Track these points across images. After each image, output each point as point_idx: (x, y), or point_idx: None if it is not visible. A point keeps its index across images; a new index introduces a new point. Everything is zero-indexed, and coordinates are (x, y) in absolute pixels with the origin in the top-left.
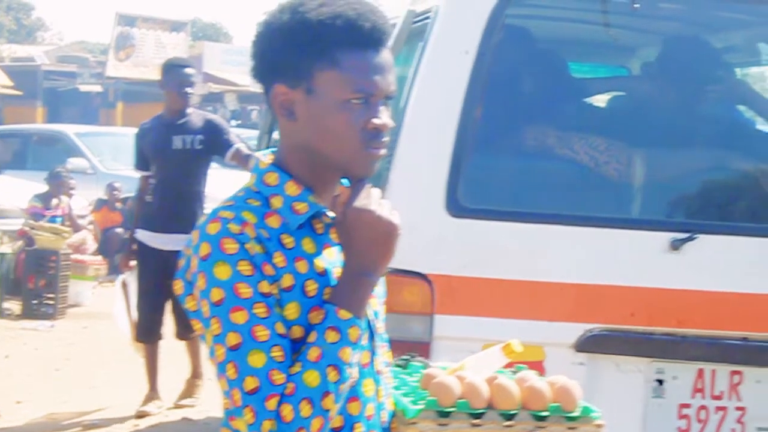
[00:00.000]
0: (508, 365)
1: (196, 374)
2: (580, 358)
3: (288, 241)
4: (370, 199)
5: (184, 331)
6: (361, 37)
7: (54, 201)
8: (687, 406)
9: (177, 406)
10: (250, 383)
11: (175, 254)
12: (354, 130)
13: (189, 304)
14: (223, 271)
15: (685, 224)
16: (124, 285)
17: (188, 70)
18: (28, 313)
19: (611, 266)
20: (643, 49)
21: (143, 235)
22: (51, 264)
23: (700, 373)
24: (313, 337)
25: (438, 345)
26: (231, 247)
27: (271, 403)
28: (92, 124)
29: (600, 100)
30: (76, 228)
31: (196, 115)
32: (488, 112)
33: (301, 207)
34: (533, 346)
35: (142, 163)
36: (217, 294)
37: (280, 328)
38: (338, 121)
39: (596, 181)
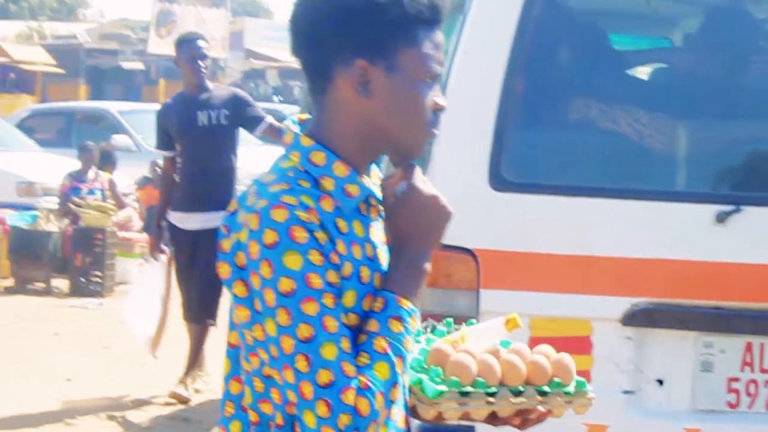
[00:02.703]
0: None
1: (191, 370)
2: (627, 333)
3: (342, 225)
4: (427, 183)
5: (196, 317)
6: (436, 14)
7: (90, 174)
8: (736, 380)
9: (173, 395)
10: (324, 376)
11: (207, 233)
12: (426, 110)
13: (237, 290)
14: (293, 261)
15: (730, 196)
16: (168, 270)
17: (199, 42)
18: (76, 291)
19: (657, 239)
20: (686, 20)
21: (174, 217)
22: (97, 242)
23: (749, 346)
24: (375, 326)
25: (484, 320)
26: (301, 235)
27: (348, 397)
28: (135, 102)
29: (642, 72)
30: (121, 205)
31: (219, 90)
32: (530, 85)
33: (353, 189)
34: (580, 320)
35: (164, 143)
36: (286, 284)
37: (344, 318)
38: (415, 100)
39: (640, 154)
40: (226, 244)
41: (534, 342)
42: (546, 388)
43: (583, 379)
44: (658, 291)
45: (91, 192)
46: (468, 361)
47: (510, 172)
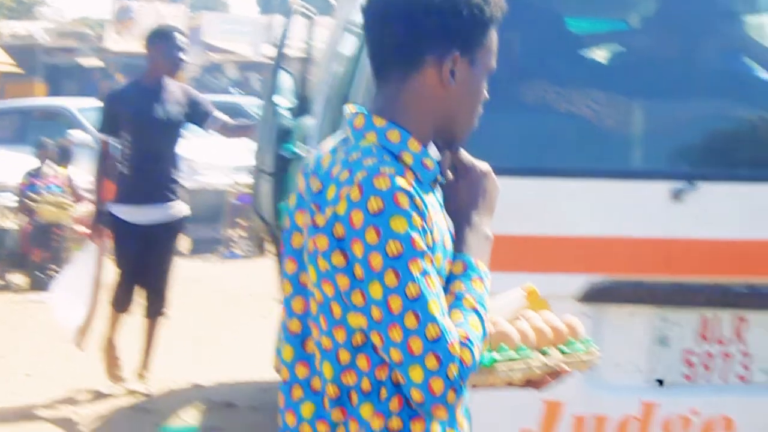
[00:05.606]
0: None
1: (147, 362)
2: (584, 309)
3: (424, 196)
4: (477, 161)
5: (155, 310)
6: (502, 16)
7: (46, 170)
8: (692, 353)
9: (130, 392)
10: (433, 331)
11: (160, 227)
12: (482, 100)
13: (336, 260)
14: (400, 224)
15: (685, 173)
16: (99, 259)
17: (181, 36)
18: (35, 286)
19: (614, 217)
20: (642, 2)
21: (122, 211)
22: (55, 237)
23: (704, 320)
24: (461, 286)
25: None
26: (404, 200)
27: (455, 348)
28: (94, 98)
29: (598, 54)
30: (79, 200)
31: (174, 85)
32: None
33: (429, 163)
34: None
35: (111, 126)
36: (394, 246)
37: (438, 278)
38: (481, 90)
39: (597, 134)
40: (320, 219)
41: None
42: (566, 349)
43: (589, 338)
44: (614, 268)
45: (48, 188)
46: (511, 330)
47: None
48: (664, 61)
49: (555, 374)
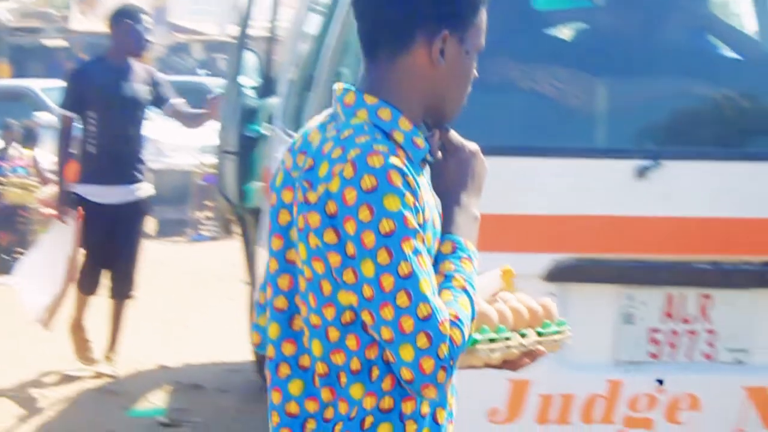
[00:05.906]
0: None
1: (114, 345)
2: (549, 288)
3: (415, 175)
4: (466, 140)
5: (122, 292)
6: None
7: (12, 152)
8: (657, 330)
9: (97, 375)
10: (424, 310)
11: (127, 207)
12: (471, 79)
13: (327, 237)
14: (393, 203)
15: (650, 151)
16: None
17: (147, 17)
18: (1, 269)
19: (578, 196)
20: None
21: (90, 191)
22: (21, 219)
23: (670, 297)
24: (450, 266)
25: None
26: (397, 179)
27: (445, 327)
28: (58, 79)
29: (561, 32)
30: (45, 181)
31: (138, 66)
32: None
33: (420, 141)
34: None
35: (75, 104)
36: (387, 225)
37: (429, 257)
38: (470, 69)
39: (560, 112)
40: (312, 197)
41: None
42: (543, 331)
43: (563, 320)
44: (579, 246)
45: (13, 170)
46: (491, 311)
47: None
48: (629, 39)
49: (532, 355)
